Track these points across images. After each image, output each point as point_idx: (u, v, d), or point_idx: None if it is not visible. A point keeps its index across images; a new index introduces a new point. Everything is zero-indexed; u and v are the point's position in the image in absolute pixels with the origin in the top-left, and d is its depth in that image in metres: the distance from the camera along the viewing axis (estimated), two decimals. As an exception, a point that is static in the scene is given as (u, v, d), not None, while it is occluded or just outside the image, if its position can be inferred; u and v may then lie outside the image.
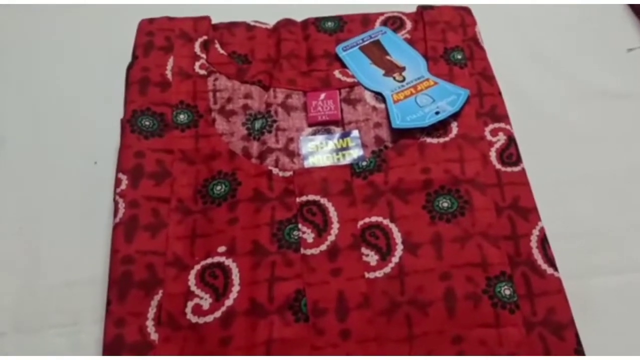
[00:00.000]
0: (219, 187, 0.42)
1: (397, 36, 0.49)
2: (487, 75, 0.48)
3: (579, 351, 0.36)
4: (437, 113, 0.44)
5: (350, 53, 0.49)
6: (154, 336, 0.37)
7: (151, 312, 0.37)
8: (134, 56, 0.48)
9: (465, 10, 0.52)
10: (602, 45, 0.54)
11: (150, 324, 0.37)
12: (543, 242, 0.40)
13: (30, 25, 0.56)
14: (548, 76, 0.53)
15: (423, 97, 0.45)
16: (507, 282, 0.38)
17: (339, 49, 0.49)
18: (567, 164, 0.48)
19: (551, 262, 0.39)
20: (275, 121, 0.45)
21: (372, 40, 0.49)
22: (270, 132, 0.45)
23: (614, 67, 0.53)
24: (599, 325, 0.40)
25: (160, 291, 0.38)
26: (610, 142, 0.49)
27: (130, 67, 0.48)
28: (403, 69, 0.47)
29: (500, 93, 0.47)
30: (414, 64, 0.48)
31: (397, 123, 0.44)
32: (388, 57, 0.48)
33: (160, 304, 0.38)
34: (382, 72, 0.47)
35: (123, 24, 0.50)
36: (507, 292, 0.38)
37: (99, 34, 0.55)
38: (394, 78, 0.47)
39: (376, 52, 0.48)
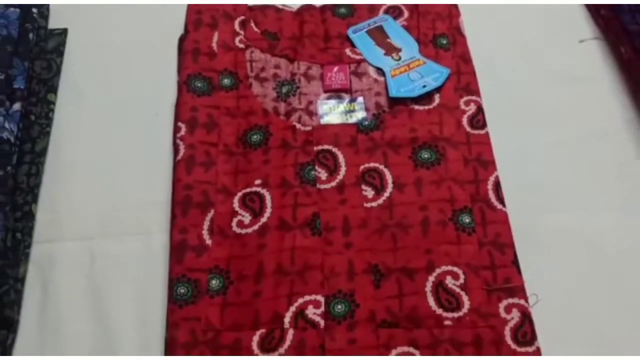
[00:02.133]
0: (255, 136, 0.55)
1: (396, 23, 0.62)
2: (465, 58, 0.60)
3: (515, 262, 0.50)
4: (424, 86, 0.57)
5: (359, 35, 0.61)
6: (208, 242, 0.50)
7: (206, 224, 0.51)
8: (186, 30, 0.60)
9: (452, 5, 0.64)
10: (563, 36, 0.65)
11: (205, 233, 0.51)
12: (497, 186, 0.53)
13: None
14: (518, 61, 0.64)
15: (414, 73, 0.58)
16: (468, 213, 0.52)
17: (349, 32, 0.62)
18: (527, 131, 0.59)
19: (501, 200, 0.53)
20: (298, 87, 0.58)
21: (376, 25, 0.62)
22: (294, 95, 0.58)
23: (571, 53, 0.65)
24: (538, 250, 0.53)
25: (212, 210, 0.52)
26: (563, 115, 0.60)
27: (182, 39, 0.60)
28: (399, 50, 0.60)
29: (474, 72, 0.60)
30: (408, 47, 0.60)
31: (393, 93, 0.57)
32: (388, 40, 0.61)
33: (212, 219, 0.51)
34: (383, 52, 0.60)
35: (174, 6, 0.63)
36: (467, 220, 0.51)
37: (156, 11, 0.66)
38: (392, 57, 0.60)
39: (379, 36, 0.61)
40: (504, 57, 0.64)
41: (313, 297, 0.48)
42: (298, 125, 0.56)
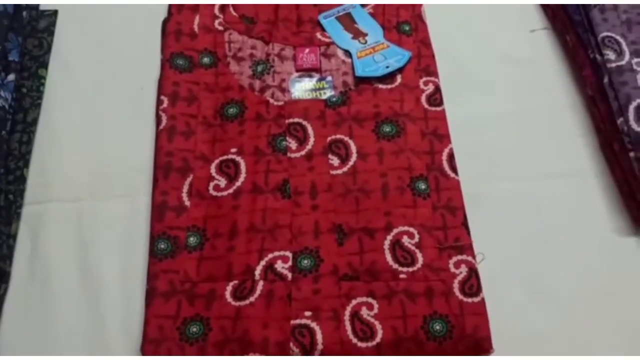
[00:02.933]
0: (231, 109, 0.60)
1: (363, 10, 0.67)
2: (425, 43, 0.66)
3: (465, 224, 0.55)
4: (387, 67, 0.63)
5: (329, 20, 0.67)
6: (187, 203, 0.55)
7: (185, 188, 0.56)
8: (169, 13, 0.65)
9: None
10: (515, 26, 0.71)
11: (184, 195, 0.55)
12: (450, 157, 0.59)
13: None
14: (474, 46, 0.70)
15: (378, 55, 0.63)
16: (424, 180, 0.57)
17: (320, 17, 0.67)
18: (480, 107, 0.65)
19: (454, 170, 0.58)
20: (272, 66, 0.63)
21: (345, 12, 0.67)
22: (268, 74, 0.63)
23: (522, 41, 0.71)
24: (486, 213, 0.58)
25: (191, 175, 0.56)
26: (513, 91, 0.66)
27: (166, 21, 0.65)
28: (366, 34, 0.65)
29: (433, 56, 0.65)
30: (374, 32, 0.66)
31: (359, 73, 0.63)
32: (355, 25, 0.66)
33: (191, 183, 0.56)
34: (351, 36, 0.65)
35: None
36: (423, 186, 0.57)
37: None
38: (359, 41, 0.65)
39: (347, 21, 0.66)
40: (461, 43, 0.69)
41: (282, 252, 0.53)
42: (271, 100, 0.61)
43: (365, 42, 0.65)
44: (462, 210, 0.56)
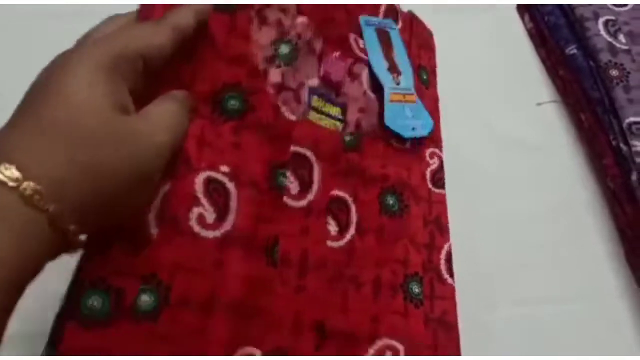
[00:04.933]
0: (232, 101, 0.39)
1: (400, 38, 0.51)
2: (436, 102, 0.54)
3: (459, 348, 0.46)
4: (413, 129, 0.49)
5: (369, 31, 0.49)
6: (152, 230, 0.34)
7: (156, 203, 0.34)
8: None
9: (429, 34, 0.57)
10: (518, 98, 0.61)
11: (151, 217, 0.34)
12: (449, 256, 0.49)
13: None
14: (469, 121, 0.58)
15: (407, 108, 0.49)
16: (418, 282, 0.46)
17: (362, 19, 0.49)
18: (475, 204, 0.54)
19: (451, 273, 0.48)
20: (297, 57, 0.43)
21: (384, 27, 0.50)
22: (290, 65, 0.43)
23: (527, 118, 0.60)
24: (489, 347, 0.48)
25: (169, 183, 0.35)
26: (514, 184, 0.55)
27: None
28: (400, 73, 0.50)
29: (439, 120, 0.54)
30: (406, 74, 0.50)
31: (388, 123, 0.47)
32: (393, 55, 0.50)
33: (165, 197, 0.35)
34: (387, 65, 0.49)
35: None
36: (417, 290, 0.46)
37: None
38: (393, 78, 0.49)
39: (386, 43, 0.50)
40: (454, 122, 0.56)
41: (251, 349, 0.37)
42: (283, 109, 0.42)
43: (399, 83, 0.49)
44: (456, 329, 0.47)
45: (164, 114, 0.33)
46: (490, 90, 0.61)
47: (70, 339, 0.30)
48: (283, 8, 0.43)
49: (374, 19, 0.50)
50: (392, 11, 0.53)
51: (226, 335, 0.35)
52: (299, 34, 0.44)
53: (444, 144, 0.53)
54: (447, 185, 0.52)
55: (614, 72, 0.54)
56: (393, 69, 0.49)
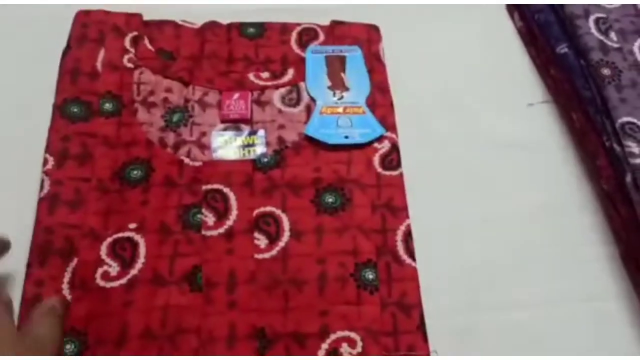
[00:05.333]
0: (135, 172, 0.48)
1: (362, 61, 0.55)
2: (382, 88, 0.54)
3: (422, 328, 0.44)
4: (346, 137, 0.50)
5: (316, 57, 0.54)
6: (67, 297, 0.43)
7: (67, 276, 0.43)
8: (68, 46, 0.53)
9: (373, 28, 0.58)
10: (509, 99, 0.58)
11: (65, 287, 0.43)
12: (407, 236, 0.47)
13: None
14: (457, 125, 0.56)
15: (344, 119, 0.51)
16: (372, 268, 0.45)
17: (309, 50, 0.55)
18: (464, 204, 0.51)
19: (411, 253, 0.46)
20: (191, 116, 0.51)
21: (340, 54, 0.55)
22: (186, 125, 0.51)
23: (518, 118, 0.57)
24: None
25: (76, 259, 0.44)
26: (504, 185, 0.53)
27: (64, 56, 0.53)
28: (347, 89, 0.53)
29: (392, 104, 0.54)
30: (359, 90, 0.53)
31: (310, 131, 0.50)
32: (342, 75, 0.54)
33: (74, 270, 0.44)
34: (329, 84, 0.53)
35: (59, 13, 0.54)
36: (371, 276, 0.45)
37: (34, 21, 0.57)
38: (334, 93, 0.53)
39: (335, 66, 0.54)
40: (438, 121, 0.56)
41: None
42: (186, 160, 0.49)
43: (341, 97, 0.53)
44: (419, 309, 0.44)
45: (48, 333, 0.41)
46: (480, 90, 0.58)
47: None
48: (167, 87, 0.52)
49: (325, 48, 0.55)
50: (307, 30, 0.57)
51: (148, 360, 0.41)
52: (187, 100, 0.52)
53: (428, 144, 0.54)
54: (434, 186, 0.52)
55: (606, 71, 0.52)
56: (337, 86, 0.53)
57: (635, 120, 0.49)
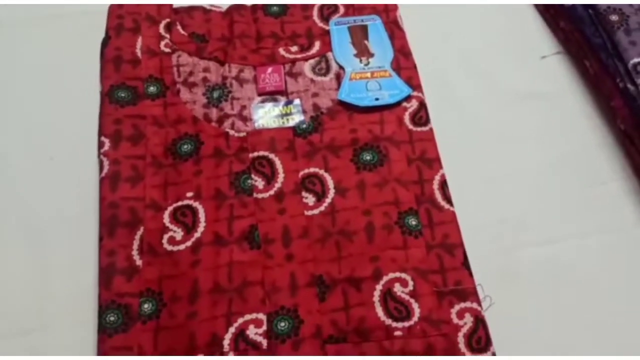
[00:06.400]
0: (185, 146, 0.51)
1: (383, 28, 0.58)
2: (404, 52, 0.58)
3: (466, 264, 0.47)
4: (376, 99, 0.54)
5: (339, 28, 0.58)
6: (138, 262, 0.46)
7: (135, 244, 0.47)
8: (107, 36, 0.56)
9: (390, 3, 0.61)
10: (519, 50, 0.62)
11: (135, 253, 0.47)
12: (443, 185, 0.51)
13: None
14: (474, 79, 0.60)
15: (373, 83, 0.55)
16: (414, 215, 0.49)
17: (332, 22, 0.59)
18: (489, 160, 0.55)
19: (448, 199, 0.50)
20: (230, 92, 0.55)
21: (362, 23, 0.59)
22: (226, 100, 0.54)
23: (533, 71, 0.61)
24: (514, 289, 0.49)
25: (142, 228, 0.48)
26: (527, 135, 0.56)
27: (104, 44, 0.56)
28: (372, 55, 0.57)
29: (415, 66, 0.57)
30: (383, 55, 0.57)
31: (342, 96, 0.54)
32: (365, 42, 0.57)
33: (142, 237, 0.47)
34: (355, 52, 0.57)
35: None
36: (414, 222, 0.49)
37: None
38: (361, 60, 0.56)
39: (358, 34, 0.58)
40: (458, 80, 0.60)
41: (254, 315, 0.45)
42: (231, 132, 0.52)
43: (368, 63, 0.56)
44: (462, 248, 0.48)
45: None
46: (494, 48, 0.62)
47: (101, 346, 0.43)
48: (205, 67, 0.56)
49: (346, 19, 0.59)
50: (327, 5, 0.60)
51: (219, 313, 0.44)
52: (224, 77, 0.55)
53: (453, 104, 0.58)
54: (463, 142, 0.56)
55: (614, 17, 0.55)
56: (362, 53, 0.57)
57: (646, 61, 0.53)
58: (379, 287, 0.46)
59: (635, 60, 0.53)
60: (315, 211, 0.49)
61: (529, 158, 0.56)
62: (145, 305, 0.45)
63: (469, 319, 0.45)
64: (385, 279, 0.47)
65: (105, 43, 0.56)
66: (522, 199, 0.53)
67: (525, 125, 0.58)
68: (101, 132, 0.52)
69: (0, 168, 0.53)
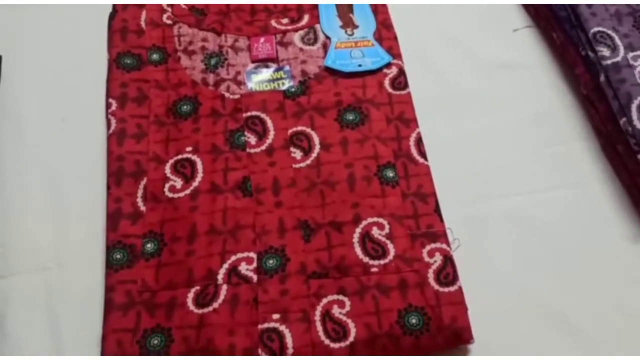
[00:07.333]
0: (185, 107, 0.57)
1: (367, 4, 0.64)
2: (386, 25, 0.63)
3: (437, 211, 0.52)
4: (359, 65, 0.59)
5: (327, 5, 0.63)
6: (142, 208, 0.52)
7: (139, 192, 0.52)
8: (114, 10, 0.62)
9: None
10: (496, 27, 0.67)
11: (139, 200, 0.52)
12: (418, 141, 0.56)
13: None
14: (449, 50, 0.65)
15: (357, 51, 0.60)
16: (391, 167, 0.54)
17: None
18: (464, 120, 0.60)
19: (423, 154, 0.55)
20: (226, 59, 0.60)
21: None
22: (222, 66, 0.60)
23: (506, 43, 0.66)
24: (482, 236, 0.54)
25: (145, 178, 0.53)
26: (498, 99, 0.62)
27: (111, 18, 0.61)
28: (356, 27, 0.62)
29: (396, 38, 0.62)
30: (366, 26, 0.62)
31: (328, 63, 0.60)
32: (350, 15, 0.63)
33: (145, 186, 0.53)
34: (340, 24, 0.62)
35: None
36: (391, 174, 0.54)
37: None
38: (346, 31, 0.62)
39: (344, 8, 0.63)
40: (436, 50, 0.65)
41: (245, 254, 0.50)
42: (227, 94, 0.58)
43: (352, 34, 0.62)
44: (434, 197, 0.53)
45: None
46: (470, 22, 0.68)
47: (109, 280, 0.49)
48: (203, 37, 0.61)
49: None
50: None
51: (214, 251, 0.50)
52: (221, 46, 0.61)
53: (430, 72, 0.63)
54: (438, 106, 0.61)
55: None
56: (347, 25, 0.63)
57: (604, 30, 0.58)
58: (358, 230, 0.51)
59: (596, 29, 0.58)
60: (302, 164, 0.54)
61: (499, 119, 0.61)
62: (148, 245, 0.50)
63: (438, 258, 0.50)
64: (364, 223, 0.52)
65: (112, 16, 0.61)
66: (492, 155, 0.59)
67: (498, 90, 0.63)
68: (109, 95, 0.57)
69: (20, 129, 0.59)
